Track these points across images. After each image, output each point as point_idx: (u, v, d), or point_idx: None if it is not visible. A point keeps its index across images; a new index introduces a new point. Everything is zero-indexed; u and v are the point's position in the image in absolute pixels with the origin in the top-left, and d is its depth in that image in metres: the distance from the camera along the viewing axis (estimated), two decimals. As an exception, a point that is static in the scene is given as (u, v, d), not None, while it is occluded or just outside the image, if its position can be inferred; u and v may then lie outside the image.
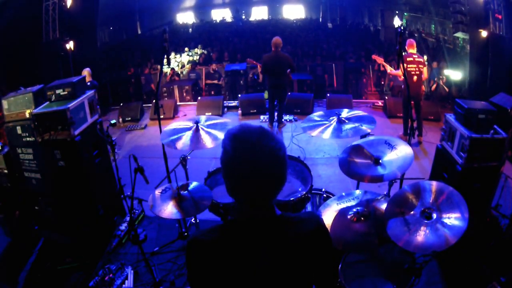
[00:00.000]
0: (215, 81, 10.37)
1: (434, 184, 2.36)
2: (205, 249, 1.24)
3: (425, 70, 6.07)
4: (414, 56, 5.99)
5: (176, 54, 13.02)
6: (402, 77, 5.82)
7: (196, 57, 12.70)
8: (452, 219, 2.16)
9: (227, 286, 1.26)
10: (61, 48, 7.54)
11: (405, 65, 5.81)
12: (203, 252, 1.24)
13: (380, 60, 6.58)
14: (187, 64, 12.20)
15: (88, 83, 6.28)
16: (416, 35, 14.32)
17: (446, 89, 9.09)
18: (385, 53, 11.58)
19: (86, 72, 6.44)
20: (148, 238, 4.14)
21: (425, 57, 7.25)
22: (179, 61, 12.53)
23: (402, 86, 7.11)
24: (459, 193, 2.24)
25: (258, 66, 9.94)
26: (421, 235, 2.14)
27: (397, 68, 6.28)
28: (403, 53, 5.91)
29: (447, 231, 2.10)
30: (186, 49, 13.45)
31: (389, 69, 6.51)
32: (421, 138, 6.35)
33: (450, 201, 2.24)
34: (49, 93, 3.74)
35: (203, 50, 13.24)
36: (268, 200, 1.24)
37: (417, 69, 5.95)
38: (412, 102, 6.07)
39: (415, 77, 5.96)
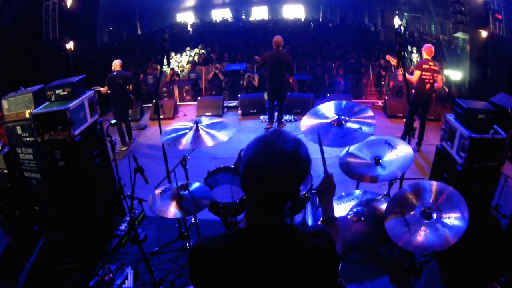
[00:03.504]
0: (221, 76, 10.38)
1: (434, 184, 2.36)
2: (210, 258, 1.20)
3: (439, 78, 5.81)
4: (430, 63, 5.72)
5: (176, 54, 13.02)
6: (415, 82, 5.80)
7: (196, 57, 12.69)
8: (452, 219, 2.16)
9: None
10: (61, 48, 7.54)
11: (418, 71, 5.68)
12: (207, 261, 1.20)
13: (393, 61, 6.40)
14: (187, 64, 12.20)
15: (115, 73, 6.33)
16: (416, 35, 14.32)
17: (446, 89, 9.08)
18: (385, 53, 11.56)
19: (117, 62, 6.53)
20: (148, 238, 4.14)
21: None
22: (179, 61, 12.53)
23: (405, 87, 7.01)
24: (459, 193, 2.24)
25: (255, 77, 9.96)
26: (421, 235, 2.14)
27: (397, 67, 6.23)
28: (423, 59, 5.78)
29: (447, 231, 2.09)
30: (188, 48, 13.45)
31: (400, 71, 6.37)
32: (419, 148, 6.15)
33: (450, 201, 2.24)
34: (49, 93, 3.74)
35: (203, 50, 13.23)
36: (275, 206, 1.20)
37: (431, 77, 5.69)
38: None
39: (428, 85, 5.71)
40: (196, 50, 13.33)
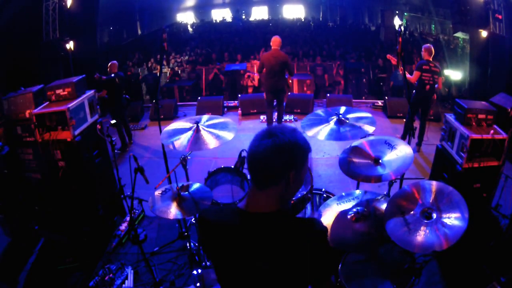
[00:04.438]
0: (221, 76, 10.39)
1: (434, 184, 2.36)
2: (210, 229, 1.40)
3: (440, 80, 5.76)
4: (431, 64, 5.68)
5: (176, 54, 13.01)
6: (415, 82, 5.79)
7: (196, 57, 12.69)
8: (452, 219, 2.16)
9: (224, 268, 1.41)
10: (61, 48, 7.53)
11: (418, 72, 5.65)
12: (208, 230, 1.41)
13: (394, 60, 6.26)
14: (187, 64, 12.20)
15: (113, 75, 6.35)
16: (416, 35, 14.33)
17: (446, 89, 9.09)
18: (385, 53, 11.56)
19: (113, 64, 6.55)
20: (148, 238, 4.14)
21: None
22: (179, 61, 12.52)
23: (404, 88, 6.99)
24: (459, 193, 2.24)
25: (255, 77, 9.95)
26: (421, 235, 2.14)
27: (398, 67, 6.23)
28: (423, 60, 5.75)
29: (447, 231, 2.09)
30: (188, 48, 13.45)
31: (400, 70, 6.36)
32: (419, 148, 6.14)
33: (450, 201, 2.24)
34: (49, 93, 3.74)
35: (203, 50, 13.22)
36: (263, 186, 1.31)
37: (431, 78, 5.65)
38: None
39: (428, 86, 5.68)
40: (197, 50, 13.33)
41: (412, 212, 2.29)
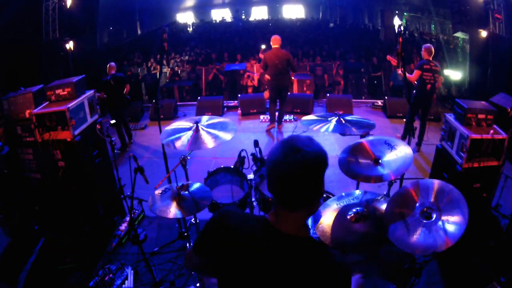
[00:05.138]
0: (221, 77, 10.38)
1: (434, 183, 2.36)
2: (228, 234, 1.26)
3: (440, 79, 5.77)
4: (431, 63, 5.71)
5: (176, 54, 13.01)
6: (415, 82, 5.80)
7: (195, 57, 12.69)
8: (452, 219, 2.16)
9: (232, 280, 1.27)
10: (61, 48, 7.53)
11: (419, 71, 5.65)
12: (224, 235, 1.26)
13: (394, 61, 6.28)
14: (187, 64, 12.19)
15: (109, 77, 6.37)
16: (416, 35, 14.33)
17: (446, 89, 9.09)
18: (385, 53, 11.56)
19: (112, 65, 6.57)
20: (148, 238, 4.14)
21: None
22: (179, 61, 12.52)
23: (404, 88, 6.98)
24: (459, 191, 2.23)
25: (254, 76, 9.95)
26: (421, 236, 2.14)
27: (398, 67, 6.23)
28: (424, 59, 5.76)
29: (447, 231, 2.09)
30: (187, 48, 13.45)
31: (400, 70, 6.36)
32: (419, 148, 6.13)
33: (450, 200, 2.23)
34: (49, 93, 3.74)
35: (202, 50, 13.22)
36: (291, 204, 1.20)
37: (432, 78, 5.68)
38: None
39: (429, 85, 5.70)
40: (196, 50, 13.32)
41: (412, 212, 2.29)
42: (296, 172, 1.12)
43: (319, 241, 1.30)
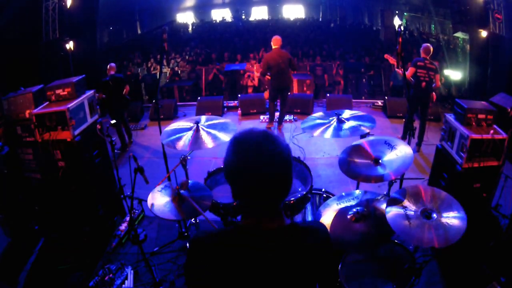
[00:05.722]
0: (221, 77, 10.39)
1: (430, 190, 2.38)
2: (207, 252, 1.20)
3: (437, 77, 5.74)
4: (426, 61, 5.70)
5: (175, 54, 13.01)
6: (411, 79, 5.82)
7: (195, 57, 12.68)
8: (452, 219, 2.17)
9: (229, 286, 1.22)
10: (61, 48, 7.53)
11: (412, 68, 5.70)
12: (204, 255, 1.20)
13: (392, 60, 6.36)
14: (187, 64, 12.20)
15: (107, 78, 6.38)
16: (416, 35, 14.33)
17: (446, 89, 9.09)
18: (385, 53, 11.56)
19: (111, 66, 6.58)
20: (148, 238, 4.14)
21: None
22: (179, 61, 12.52)
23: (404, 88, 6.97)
24: (454, 199, 2.25)
25: (255, 76, 9.95)
26: (421, 230, 2.15)
27: (397, 67, 6.24)
28: (419, 57, 5.80)
29: (447, 231, 2.10)
30: (187, 48, 13.46)
31: (400, 70, 6.37)
32: (419, 148, 6.12)
33: (448, 204, 2.25)
34: (49, 93, 3.74)
35: (202, 50, 13.22)
36: (272, 203, 1.20)
37: (426, 75, 5.67)
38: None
39: (423, 83, 5.70)
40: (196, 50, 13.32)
41: (412, 211, 2.29)
42: (274, 165, 1.12)
43: (295, 224, 1.27)
